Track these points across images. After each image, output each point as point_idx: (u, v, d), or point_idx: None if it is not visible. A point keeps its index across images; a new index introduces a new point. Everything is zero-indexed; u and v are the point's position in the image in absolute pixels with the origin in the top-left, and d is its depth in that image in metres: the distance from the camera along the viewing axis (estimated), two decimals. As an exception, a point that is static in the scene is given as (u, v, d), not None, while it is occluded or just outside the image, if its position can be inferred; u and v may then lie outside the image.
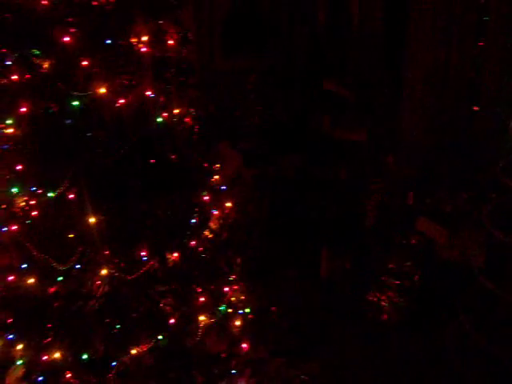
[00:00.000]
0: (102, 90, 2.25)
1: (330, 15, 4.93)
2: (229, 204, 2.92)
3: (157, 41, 2.39)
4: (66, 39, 2.24)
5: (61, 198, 2.29)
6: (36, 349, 2.44)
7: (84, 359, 2.45)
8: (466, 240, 4.00)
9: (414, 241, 4.08)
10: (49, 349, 2.43)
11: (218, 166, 2.93)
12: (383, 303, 4.07)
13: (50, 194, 2.29)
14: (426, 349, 3.69)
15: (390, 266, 4.11)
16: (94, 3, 2.32)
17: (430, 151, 4.62)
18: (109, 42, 2.28)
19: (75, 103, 2.26)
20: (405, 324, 3.98)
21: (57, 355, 2.43)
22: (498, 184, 3.70)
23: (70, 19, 2.27)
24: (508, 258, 3.78)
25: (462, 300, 3.37)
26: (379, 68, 4.72)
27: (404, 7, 4.61)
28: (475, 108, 4.48)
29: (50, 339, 2.44)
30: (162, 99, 2.47)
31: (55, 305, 2.46)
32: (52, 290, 2.46)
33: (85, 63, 2.25)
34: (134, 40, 2.33)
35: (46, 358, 2.42)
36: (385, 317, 4.05)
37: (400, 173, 4.44)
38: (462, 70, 4.49)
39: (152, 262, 2.46)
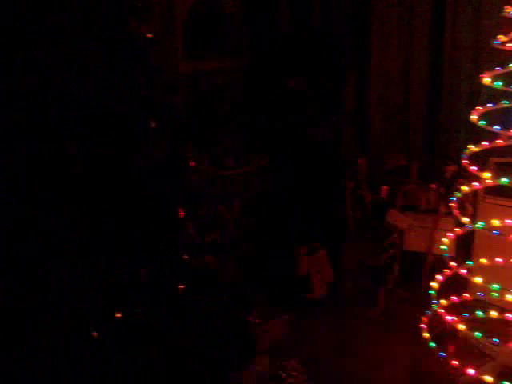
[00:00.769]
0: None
1: (294, 13, 4.98)
2: (203, 207, 2.92)
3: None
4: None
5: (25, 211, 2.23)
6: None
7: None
8: (435, 229, 4.13)
9: (383, 233, 4.17)
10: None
11: (189, 168, 2.92)
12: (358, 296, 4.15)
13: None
14: (399, 335, 3.80)
15: (363, 259, 4.20)
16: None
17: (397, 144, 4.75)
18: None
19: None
20: (379, 315, 4.08)
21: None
22: (463, 174, 3.84)
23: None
24: (474, 245, 3.92)
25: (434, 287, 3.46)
26: (344, 65, 4.80)
27: (366, 6, 4.72)
28: (437, 104, 4.63)
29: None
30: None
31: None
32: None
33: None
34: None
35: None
36: (360, 309, 4.12)
37: (371, 169, 4.53)
38: (423, 67, 4.63)
39: (129, 271, 2.42)
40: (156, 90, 2.56)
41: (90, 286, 2.34)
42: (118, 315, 2.47)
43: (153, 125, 2.49)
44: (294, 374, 3.11)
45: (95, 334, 2.40)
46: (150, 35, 2.50)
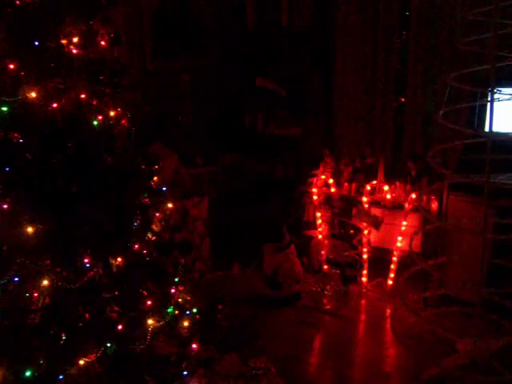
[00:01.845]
0: (33, 95, 2.16)
1: (260, 13, 5.00)
2: (170, 205, 2.91)
3: (88, 42, 2.33)
4: (-13, 41, 2.14)
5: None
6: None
7: (27, 376, 2.34)
8: (402, 226, 4.20)
9: (351, 231, 4.22)
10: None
11: (157, 167, 2.90)
12: (326, 292, 4.19)
13: (-19, 206, 2.18)
14: (367, 330, 3.86)
15: (331, 256, 4.24)
16: (17, 2, 2.22)
17: (363, 143, 4.81)
18: (37, 43, 2.19)
19: (3, 109, 2.16)
20: (348, 311, 4.13)
21: (-5, 375, 2.30)
22: (429, 170, 3.92)
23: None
24: (440, 241, 4.00)
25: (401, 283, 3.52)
26: (310, 64, 4.84)
27: (332, 3, 4.76)
28: (403, 100, 4.70)
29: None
30: (96, 102, 2.41)
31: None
32: (-13, 306, 2.33)
33: (11, 66, 2.16)
34: (64, 41, 2.26)
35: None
36: (327, 304, 4.17)
37: (337, 166, 4.58)
38: (389, 63, 4.70)
39: (96, 269, 2.40)
40: (122, 89, 2.54)
41: (56, 286, 2.30)
42: (87, 315, 2.44)
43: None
44: (264, 371, 3.12)
45: (63, 334, 2.37)
46: (115, 33, 2.47)
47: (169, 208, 2.89)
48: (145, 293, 2.63)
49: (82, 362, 2.36)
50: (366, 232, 4.34)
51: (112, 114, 2.50)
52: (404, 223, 4.17)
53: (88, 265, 2.36)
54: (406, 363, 3.40)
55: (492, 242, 3.30)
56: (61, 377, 2.36)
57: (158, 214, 2.80)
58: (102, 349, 2.41)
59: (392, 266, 4.28)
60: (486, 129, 3.17)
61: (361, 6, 4.68)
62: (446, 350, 3.38)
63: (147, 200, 2.72)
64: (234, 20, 5.10)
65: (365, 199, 4.28)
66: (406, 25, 4.58)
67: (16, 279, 2.28)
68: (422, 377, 3.25)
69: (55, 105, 2.24)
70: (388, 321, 3.93)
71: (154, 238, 2.78)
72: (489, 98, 3.08)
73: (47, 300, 2.35)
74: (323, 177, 4.53)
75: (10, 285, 2.29)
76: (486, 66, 3.02)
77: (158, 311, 2.66)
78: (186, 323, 2.83)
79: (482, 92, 3.16)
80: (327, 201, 4.64)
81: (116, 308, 2.50)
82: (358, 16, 4.72)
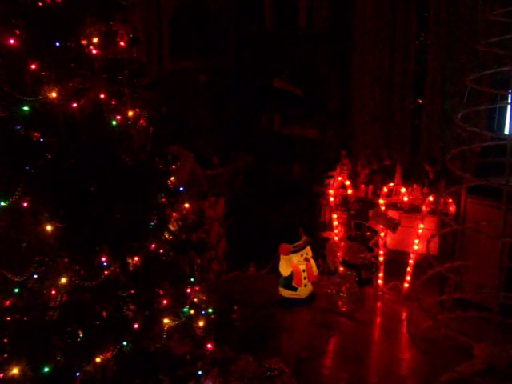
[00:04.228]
0: (53, 94, 2.19)
1: (278, 13, 5.00)
2: (186, 205, 2.92)
3: (108, 42, 2.35)
4: (11, 41, 2.17)
5: (14, 206, 2.21)
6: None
7: (45, 372, 2.37)
8: (419, 229, 4.16)
9: (368, 233, 4.20)
10: (5, 366, 2.33)
11: (174, 167, 2.91)
12: (341, 294, 4.18)
13: (2, 204, 2.21)
14: (383, 333, 3.84)
15: (347, 258, 4.22)
16: (39, 4, 2.25)
17: (381, 144, 4.78)
18: (58, 44, 2.22)
19: (25, 108, 2.18)
20: (364, 314, 4.11)
21: (14, 371, 2.32)
22: (447, 173, 3.88)
23: (14, 20, 2.20)
24: (458, 245, 3.96)
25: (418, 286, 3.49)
26: (327, 65, 4.82)
27: (350, 5, 4.74)
28: (420, 101, 4.65)
29: (6, 355, 2.33)
30: (115, 102, 2.43)
31: (11, 318, 2.37)
32: (7, 303, 2.37)
33: (33, 66, 2.19)
34: (84, 42, 2.28)
35: (1, 376, 2.32)
36: (342, 307, 4.15)
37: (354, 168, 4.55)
38: (407, 65, 4.65)
39: (113, 268, 2.41)
40: (140, 89, 2.56)
41: (74, 284, 2.33)
42: (104, 314, 2.47)
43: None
44: (278, 372, 3.12)
45: (81, 332, 2.39)
46: (134, 33, 2.50)
47: (185, 208, 2.90)
48: (161, 292, 2.65)
49: (98, 360, 2.39)
50: (382, 234, 4.32)
51: (130, 113, 2.51)
52: (421, 226, 4.15)
53: (105, 263, 2.38)
54: (421, 367, 3.38)
55: (510, 246, 3.26)
56: (78, 373, 2.38)
57: (174, 214, 2.81)
58: (118, 347, 2.43)
59: (408, 269, 4.25)
60: (506, 131, 3.14)
61: (379, 7, 4.64)
62: (463, 355, 3.35)
63: (164, 200, 2.73)
64: (251, 21, 5.11)
65: (381, 201, 4.26)
66: (425, 26, 4.52)
67: (35, 276, 2.32)
68: (437, 381, 3.23)
69: (75, 104, 2.26)
70: (404, 324, 3.90)
71: (170, 237, 2.79)
72: (509, 100, 3.05)
73: (65, 298, 2.39)
74: (340, 178, 4.52)
75: (29, 282, 2.33)
76: (507, 68, 2.98)
77: (173, 311, 2.68)
78: (201, 323, 2.84)
79: (502, 94, 3.12)
80: (344, 202, 4.62)
81: (132, 307, 2.52)
82: (375, 17, 4.67)
